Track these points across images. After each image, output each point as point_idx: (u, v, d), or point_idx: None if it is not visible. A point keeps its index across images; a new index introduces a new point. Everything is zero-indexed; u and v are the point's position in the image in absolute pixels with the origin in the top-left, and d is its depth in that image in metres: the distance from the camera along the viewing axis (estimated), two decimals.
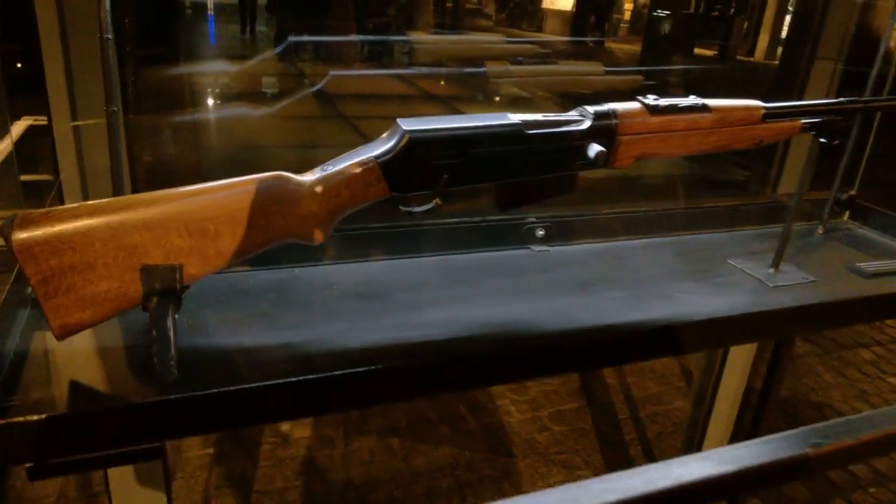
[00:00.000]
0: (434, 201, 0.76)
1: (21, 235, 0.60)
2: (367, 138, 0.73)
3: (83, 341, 0.71)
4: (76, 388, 0.63)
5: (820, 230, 1.27)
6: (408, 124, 0.71)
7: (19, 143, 1.11)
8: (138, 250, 0.64)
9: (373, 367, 0.68)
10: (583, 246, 1.10)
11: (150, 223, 0.64)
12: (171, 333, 0.66)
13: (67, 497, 2.10)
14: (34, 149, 1.08)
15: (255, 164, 0.72)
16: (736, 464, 0.65)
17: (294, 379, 0.64)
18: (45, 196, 1.01)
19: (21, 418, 0.55)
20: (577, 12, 9.63)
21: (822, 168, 1.21)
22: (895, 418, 0.80)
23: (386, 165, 0.70)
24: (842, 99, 0.93)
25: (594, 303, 0.91)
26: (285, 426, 2.52)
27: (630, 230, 1.16)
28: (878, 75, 1.19)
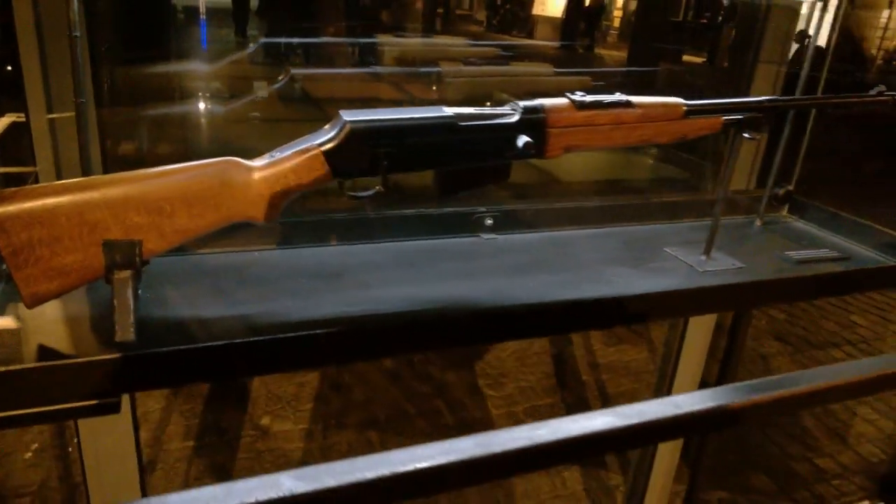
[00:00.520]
0: (377, 187, 0.84)
1: None
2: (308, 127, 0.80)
3: (52, 311, 0.78)
4: (43, 349, 0.70)
5: (758, 223, 1.35)
6: (349, 115, 0.79)
7: (2, 139, 1.18)
8: (100, 226, 0.71)
9: (316, 332, 0.75)
10: (530, 235, 1.18)
11: (112, 202, 0.71)
12: (131, 302, 0.73)
13: (50, 488, 2.16)
14: (17, 144, 1.15)
15: (212, 150, 0.79)
16: (640, 418, 0.72)
17: (240, 340, 0.71)
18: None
19: None
20: (566, 19, 9.75)
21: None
22: (814, 378, 0.87)
23: (329, 153, 0.78)
24: (760, 98, 1.01)
25: (532, 284, 0.98)
26: (265, 420, 2.58)
27: (577, 221, 1.23)
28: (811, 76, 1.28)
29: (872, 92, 1.12)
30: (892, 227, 1.30)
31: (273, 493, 0.58)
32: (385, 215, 1.08)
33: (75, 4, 0.78)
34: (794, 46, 1.49)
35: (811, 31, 1.34)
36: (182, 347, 0.69)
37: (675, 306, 0.99)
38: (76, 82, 0.82)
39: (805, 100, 1.10)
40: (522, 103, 0.87)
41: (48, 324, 0.76)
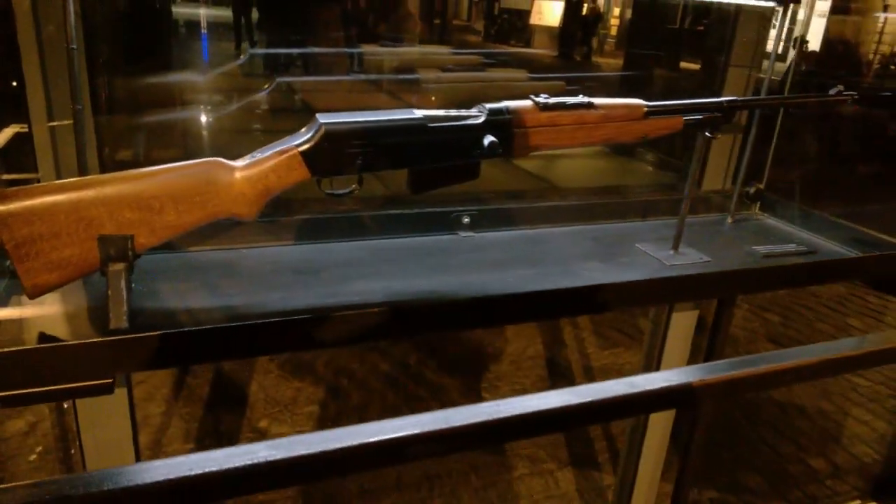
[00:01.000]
0: (353, 186, 0.90)
1: None
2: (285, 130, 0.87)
3: (52, 303, 0.84)
4: (43, 336, 0.76)
5: (729, 220, 1.40)
6: (324, 118, 0.85)
7: (6, 148, 1.24)
8: (95, 222, 0.77)
9: (292, 318, 0.81)
10: (506, 232, 1.24)
11: (106, 199, 0.78)
12: (124, 293, 0.79)
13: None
14: (21, 153, 1.22)
15: (201, 153, 0.86)
16: (595, 396, 0.78)
17: (222, 325, 0.77)
18: None
19: None
20: (563, 28, 9.84)
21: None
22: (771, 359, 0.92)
23: (306, 153, 0.84)
24: (719, 98, 1.07)
25: (505, 277, 1.04)
26: (263, 423, 2.64)
27: (553, 219, 1.29)
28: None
29: (832, 92, 1.18)
30: (862, 224, 1.36)
31: (249, 460, 0.64)
32: (366, 214, 1.14)
33: (72, 19, 0.85)
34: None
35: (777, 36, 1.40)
36: (169, 331, 0.75)
37: (638, 296, 1.04)
38: (73, 91, 0.88)
39: (762, 100, 1.16)
40: (489, 105, 0.93)
41: (48, 313, 0.82)
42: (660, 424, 1.89)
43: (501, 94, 1.00)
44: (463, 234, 1.20)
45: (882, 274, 1.22)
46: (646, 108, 1.02)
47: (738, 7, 1.46)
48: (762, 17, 1.51)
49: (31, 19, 0.98)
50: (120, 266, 0.79)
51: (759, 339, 3.72)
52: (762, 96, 1.30)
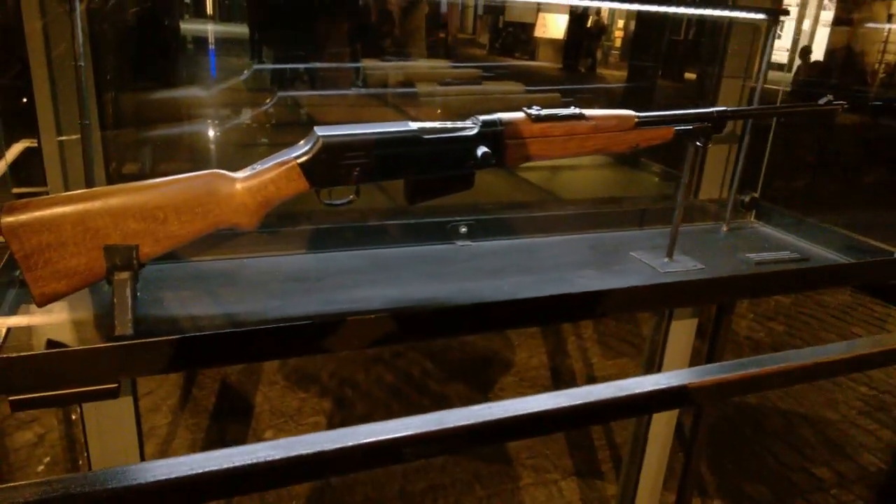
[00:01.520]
0: (351, 196, 0.93)
1: (8, 219, 0.76)
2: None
3: (60, 311, 0.87)
4: (51, 342, 0.79)
5: (724, 228, 1.43)
6: (322, 130, 0.88)
7: (17, 163, 1.28)
8: (101, 232, 0.80)
9: (291, 325, 0.84)
10: (503, 241, 1.26)
11: (111, 210, 0.81)
12: (129, 301, 0.82)
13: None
14: (30, 166, 1.26)
15: (205, 166, 0.89)
16: (586, 398, 0.80)
17: (223, 331, 0.79)
18: None
19: (3, 355, 0.71)
20: (567, 40, 9.90)
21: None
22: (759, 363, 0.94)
23: (304, 164, 0.87)
24: (709, 108, 1.10)
25: (500, 284, 1.06)
26: (268, 433, 2.66)
27: (549, 228, 1.32)
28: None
29: (822, 101, 1.21)
30: (858, 231, 1.38)
31: (249, 460, 0.66)
32: (364, 224, 1.17)
33: (80, 38, 0.88)
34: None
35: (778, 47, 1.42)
36: (172, 337, 0.77)
37: (631, 302, 1.06)
38: (81, 106, 0.92)
39: (752, 110, 1.18)
40: (482, 117, 0.96)
41: (56, 320, 0.85)
42: (661, 433, 1.90)
43: (502, 107, 1.03)
44: (460, 243, 1.23)
45: (874, 280, 1.24)
46: (636, 119, 1.04)
47: (730, 20, 1.49)
48: (755, 30, 1.54)
49: (40, 37, 1.02)
50: (125, 275, 0.82)
51: (763, 348, 3.72)
52: (753, 106, 1.33)
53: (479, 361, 3.30)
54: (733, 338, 3.71)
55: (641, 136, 1.05)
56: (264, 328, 0.83)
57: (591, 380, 3.22)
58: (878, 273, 1.22)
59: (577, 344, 3.54)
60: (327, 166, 0.88)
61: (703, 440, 2.00)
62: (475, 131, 0.95)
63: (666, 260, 1.20)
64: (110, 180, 1.16)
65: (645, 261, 1.20)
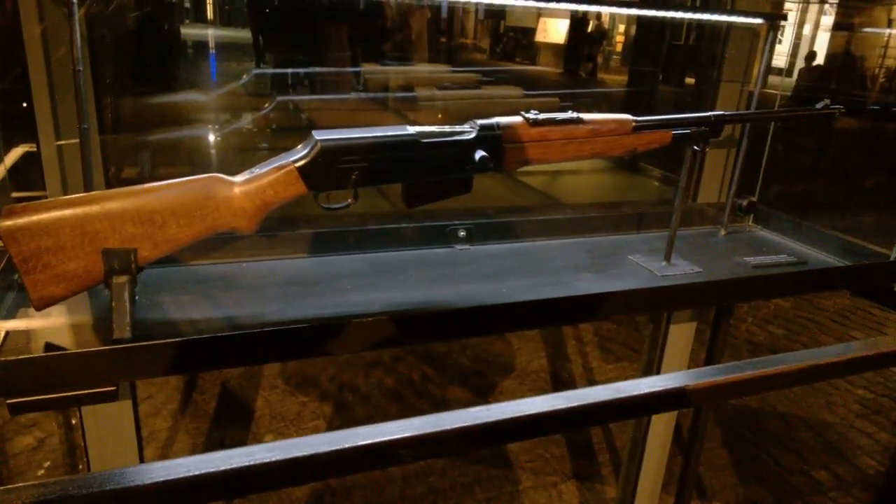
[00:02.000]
0: (349, 200, 0.93)
1: (6, 223, 0.77)
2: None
3: (58, 315, 0.87)
4: (49, 345, 0.79)
5: (722, 232, 1.43)
6: (320, 135, 0.88)
7: (16, 167, 1.29)
8: (100, 236, 0.81)
9: (290, 328, 0.84)
10: (502, 245, 1.27)
11: (109, 214, 0.81)
12: (128, 304, 0.82)
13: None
14: (29, 171, 1.26)
15: (204, 169, 0.89)
16: (582, 401, 0.80)
17: (221, 334, 0.80)
18: None
19: (2, 358, 0.71)
20: (568, 45, 9.89)
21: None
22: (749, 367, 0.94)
23: (302, 168, 0.87)
24: (707, 113, 1.10)
25: (497, 287, 1.07)
26: (268, 437, 2.66)
27: (548, 232, 1.32)
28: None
29: (819, 105, 1.21)
30: (856, 235, 1.38)
31: (246, 462, 0.66)
32: (363, 228, 1.17)
33: (78, 42, 0.89)
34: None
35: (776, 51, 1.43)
36: (170, 341, 0.78)
37: (628, 305, 1.07)
38: (79, 111, 0.92)
39: (749, 114, 1.18)
40: (480, 121, 0.96)
41: (54, 324, 0.85)
42: (660, 436, 1.90)
43: (502, 111, 1.03)
44: (459, 247, 1.23)
45: (870, 283, 1.24)
46: (634, 123, 1.05)
47: (729, 24, 1.49)
48: (754, 34, 1.54)
49: (39, 42, 1.02)
50: (123, 278, 0.82)
51: (762, 351, 3.72)
52: (751, 111, 1.33)
53: (479, 365, 3.30)
54: (732, 341, 3.71)
55: (639, 140, 1.06)
56: (262, 331, 0.83)
57: (591, 384, 3.22)
58: (875, 276, 1.22)
59: (577, 348, 3.54)
60: (325, 170, 0.88)
61: (701, 443, 2.00)
62: (473, 135, 0.95)
63: (664, 263, 1.20)
64: (109, 184, 1.16)
65: (643, 264, 1.20)
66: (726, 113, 1.12)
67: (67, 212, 0.80)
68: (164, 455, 2.49)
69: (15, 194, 1.24)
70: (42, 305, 0.81)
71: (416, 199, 0.96)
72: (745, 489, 2.66)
